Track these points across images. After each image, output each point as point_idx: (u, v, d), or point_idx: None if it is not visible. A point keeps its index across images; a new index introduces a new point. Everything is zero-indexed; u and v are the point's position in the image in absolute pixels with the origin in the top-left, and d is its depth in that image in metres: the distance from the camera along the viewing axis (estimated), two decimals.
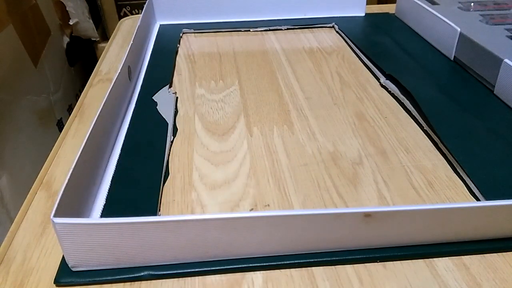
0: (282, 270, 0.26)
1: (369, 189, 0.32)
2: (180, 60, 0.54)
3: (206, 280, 0.26)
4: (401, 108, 0.43)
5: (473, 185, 0.32)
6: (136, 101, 0.44)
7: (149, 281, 0.26)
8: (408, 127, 0.40)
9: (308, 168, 0.35)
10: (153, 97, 0.44)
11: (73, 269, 0.26)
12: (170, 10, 0.63)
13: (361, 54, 0.54)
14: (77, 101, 0.46)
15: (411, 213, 0.25)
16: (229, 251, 0.26)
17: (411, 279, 0.26)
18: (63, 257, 0.26)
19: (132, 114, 0.41)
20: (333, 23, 0.63)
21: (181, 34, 0.61)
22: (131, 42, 0.46)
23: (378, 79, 0.48)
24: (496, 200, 0.27)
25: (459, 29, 0.49)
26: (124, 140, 0.37)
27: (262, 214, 0.25)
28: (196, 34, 0.62)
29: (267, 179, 0.33)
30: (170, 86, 0.47)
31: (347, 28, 0.61)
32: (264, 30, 0.62)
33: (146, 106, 0.43)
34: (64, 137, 0.39)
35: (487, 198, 0.30)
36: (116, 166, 0.34)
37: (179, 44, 0.58)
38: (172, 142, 0.38)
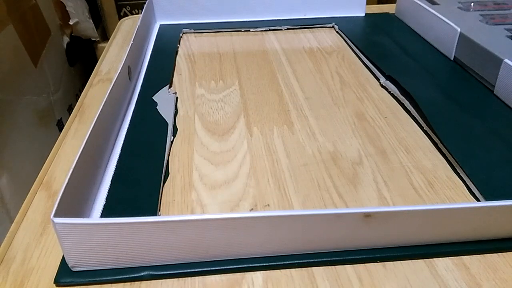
0: (282, 270, 0.26)
1: (369, 189, 0.32)
2: (180, 60, 0.54)
3: (206, 280, 0.26)
4: (401, 108, 0.43)
5: (473, 185, 0.32)
6: (136, 101, 0.44)
7: (149, 281, 0.26)
8: (408, 127, 0.40)
9: (308, 168, 0.35)
10: (153, 97, 0.44)
11: (73, 269, 0.26)
12: (170, 10, 0.63)
13: (361, 54, 0.54)
14: (77, 101, 0.46)
15: (411, 213, 0.25)
16: (229, 251, 0.26)
17: (411, 279, 0.26)
18: (63, 257, 0.26)
19: (132, 114, 0.41)
20: (333, 23, 0.63)
21: (181, 34, 0.61)
22: (131, 42, 0.46)
23: (378, 79, 0.48)
24: (496, 200, 0.27)
25: (459, 29, 0.49)
26: (124, 140, 0.37)
27: (262, 214, 0.25)
28: (196, 34, 0.62)
29: (267, 179, 0.33)
30: (170, 86, 0.47)
31: (347, 28, 0.61)
32: (264, 30, 0.62)
33: (146, 106, 0.43)
34: (64, 137, 0.39)
35: (487, 198, 0.30)
36: (116, 166, 0.34)
37: (179, 44, 0.58)
38: (172, 142, 0.38)
